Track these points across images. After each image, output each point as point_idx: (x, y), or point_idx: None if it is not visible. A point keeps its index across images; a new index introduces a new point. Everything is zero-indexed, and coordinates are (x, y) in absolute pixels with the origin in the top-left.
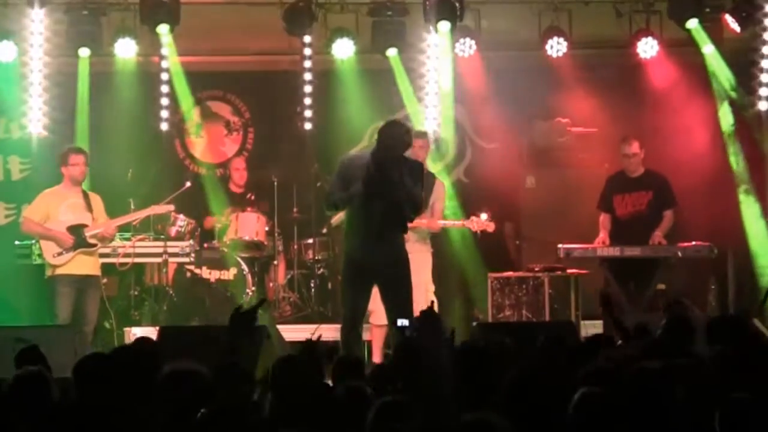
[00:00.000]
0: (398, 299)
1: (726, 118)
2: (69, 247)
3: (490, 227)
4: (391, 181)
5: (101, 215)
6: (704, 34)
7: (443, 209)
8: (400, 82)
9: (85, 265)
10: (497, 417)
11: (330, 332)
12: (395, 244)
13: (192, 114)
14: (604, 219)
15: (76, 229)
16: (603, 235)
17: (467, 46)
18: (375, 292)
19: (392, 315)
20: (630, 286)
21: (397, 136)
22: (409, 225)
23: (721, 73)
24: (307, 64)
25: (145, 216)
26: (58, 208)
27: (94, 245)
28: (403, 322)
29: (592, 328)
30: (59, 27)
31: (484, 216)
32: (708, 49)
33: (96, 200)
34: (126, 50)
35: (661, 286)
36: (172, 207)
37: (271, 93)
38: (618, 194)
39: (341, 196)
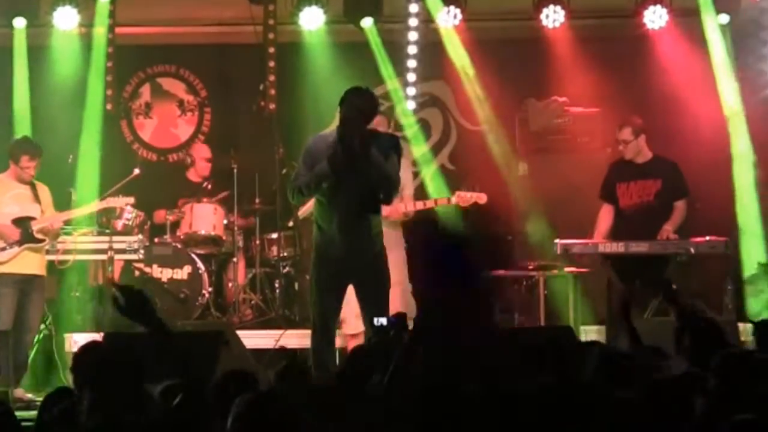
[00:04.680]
0: (376, 298)
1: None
2: (14, 241)
3: (482, 198)
4: (359, 157)
5: (49, 208)
6: (711, 6)
7: (412, 195)
8: (379, 57)
9: (30, 263)
10: None
11: (297, 339)
12: (371, 235)
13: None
14: (604, 211)
15: (23, 222)
16: (601, 229)
17: (452, 16)
18: (348, 297)
19: (369, 315)
20: (636, 286)
21: (358, 105)
22: (384, 213)
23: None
24: (271, 35)
25: (102, 209)
26: (1, 198)
27: (42, 240)
28: (381, 320)
29: (592, 334)
30: None
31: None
32: (710, 25)
33: (44, 191)
34: (66, 21)
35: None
36: (131, 199)
37: (231, 68)
38: (622, 183)
39: (306, 179)
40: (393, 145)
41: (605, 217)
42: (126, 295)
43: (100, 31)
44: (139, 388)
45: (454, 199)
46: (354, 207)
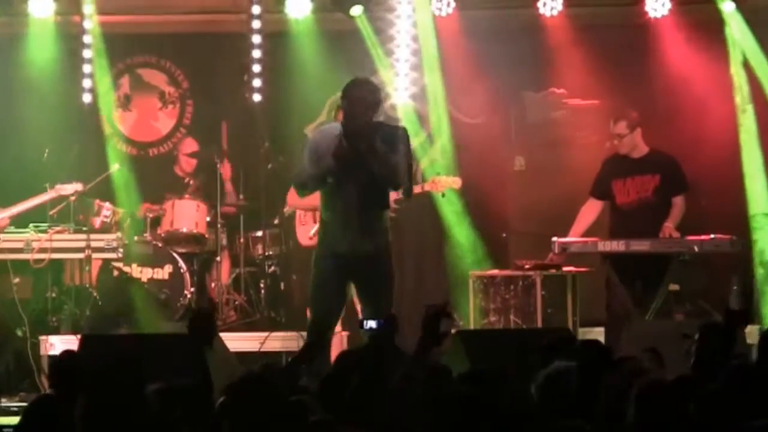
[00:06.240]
0: (375, 298)
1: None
2: None
3: (456, 183)
4: (365, 152)
5: None
6: None
7: None
8: (371, 46)
9: None
10: None
11: (282, 341)
12: (378, 231)
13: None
14: (588, 207)
15: None
16: (579, 226)
17: (445, 4)
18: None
19: (371, 314)
20: (637, 286)
21: (362, 98)
22: None
23: (742, 36)
24: (256, 24)
25: (48, 200)
26: None
27: None
28: (371, 324)
29: (591, 336)
30: None
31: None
32: (728, 7)
33: None
34: (42, 8)
35: (674, 287)
36: (79, 186)
37: (214, 59)
38: (618, 179)
39: (312, 174)
40: (399, 135)
41: (587, 213)
42: None
43: (77, 20)
44: (139, 391)
45: (427, 186)
46: (359, 201)
